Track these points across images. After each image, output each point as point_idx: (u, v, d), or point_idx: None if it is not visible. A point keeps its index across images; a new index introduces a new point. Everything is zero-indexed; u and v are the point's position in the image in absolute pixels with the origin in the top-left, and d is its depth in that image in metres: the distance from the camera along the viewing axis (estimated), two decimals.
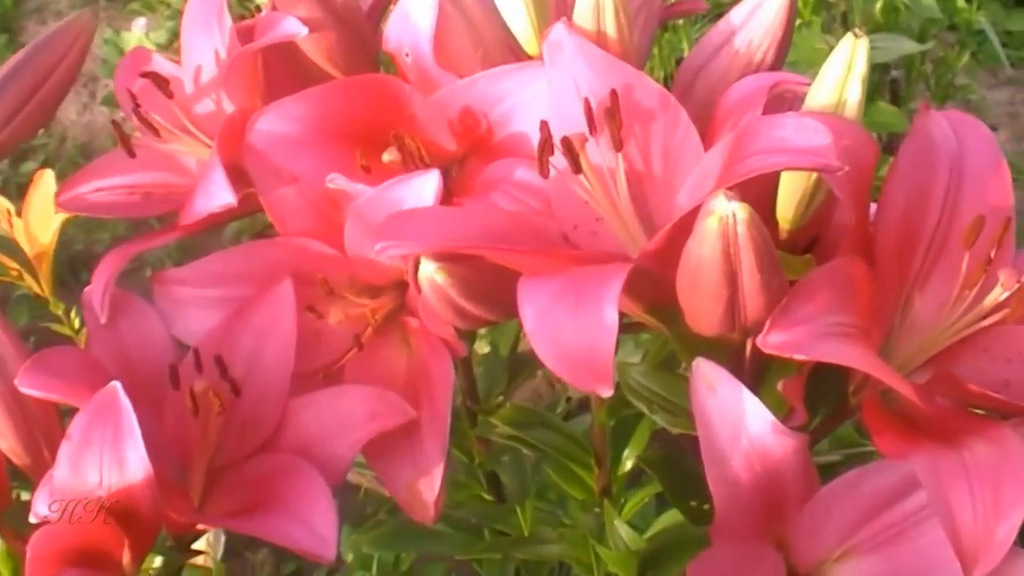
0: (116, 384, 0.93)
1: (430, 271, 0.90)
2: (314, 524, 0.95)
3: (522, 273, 0.88)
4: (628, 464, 1.32)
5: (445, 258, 0.89)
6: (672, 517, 1.44)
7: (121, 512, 0.94)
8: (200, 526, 1.05)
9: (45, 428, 1.05)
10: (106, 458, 0.93)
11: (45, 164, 3.61)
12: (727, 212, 0.78)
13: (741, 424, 0.85)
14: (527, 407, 1.31)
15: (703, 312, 0.84)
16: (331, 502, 0.96)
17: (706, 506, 1.00)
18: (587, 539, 1.34)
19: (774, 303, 0.81)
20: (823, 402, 0.96)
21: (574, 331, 0.80)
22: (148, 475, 0.92)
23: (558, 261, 0.88)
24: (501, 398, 1.36)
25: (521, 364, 1.26)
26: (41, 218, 1.89)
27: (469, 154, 1.08)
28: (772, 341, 0.79)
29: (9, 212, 1.70)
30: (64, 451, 0.94)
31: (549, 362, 0.81)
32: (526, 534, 1.35)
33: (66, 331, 2.15)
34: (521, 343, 1.38)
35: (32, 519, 0.96)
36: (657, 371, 1.00)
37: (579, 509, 1.41)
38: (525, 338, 1.38)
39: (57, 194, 1.23)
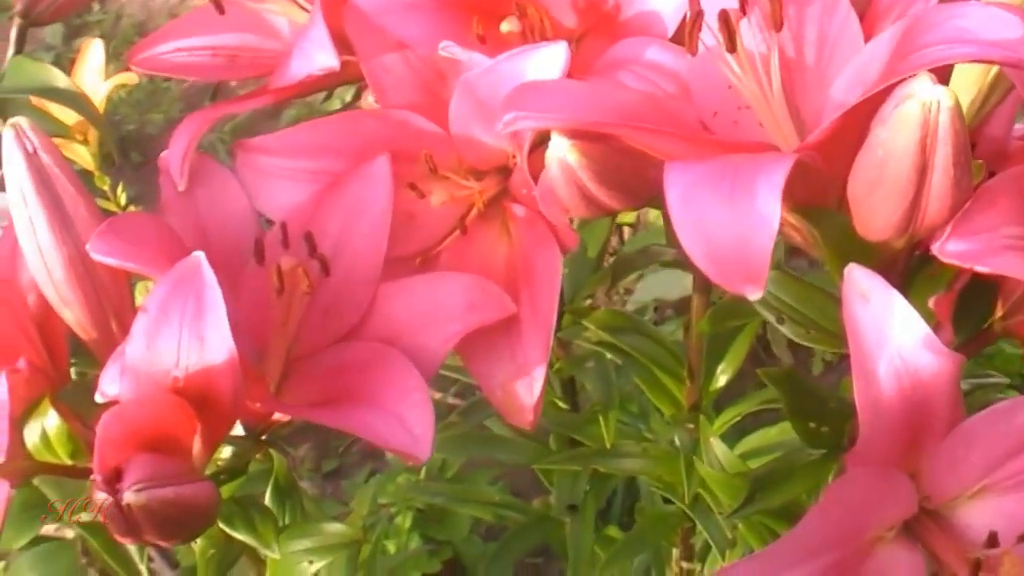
0: (200, 254, 0.85)
1: (562, 149, 0.81)
2: (407, 421, 0.87)
3: (656, 160, 0.80)
4: (722, 380, 1.24)
5: (578, 136, 0.81)
6: (758, 440, 1.38)
7: (197, 396, 0.86)
8: (277, 416, 0.97)
9: (115, 300, 0.98)
10: (185, 335, 0.85)
11: None
12: (931, 98, 0.70)
13: (895, 338, 0.77)
14: (622, 311, 1.24)
15: (878, 212, 0.76)
16: (427, 397, 0.88)
17: (824, 428, 0.93)
18: (671, 456, 1.27)
19: (957, 207, 0.73)
20: (968, 324, 0.88)
21: (728, 222, 0.71)
22: (231, 356, 0.85)
23: (703, 147, 0.79)
24: (589, 301, 1.28)
25: (626, 265, 1.18)
26: (89, 88, 1.83)
27: (588, 33, 1.00)
28: (950, 249, 0.71)
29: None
30: (139, 325, 0.86)
31: (695, 255, 0.72)
32: (608, 446, 1.28)
33: (111, 207, 2.09)
34: None
35: (98, 398, 0.89)
36: (788, 279, 0.91)
37: (663, 424, 1.34)
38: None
39: (133, 52, 1.15)
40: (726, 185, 0.73)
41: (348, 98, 3.23)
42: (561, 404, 1.43)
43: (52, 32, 3.82)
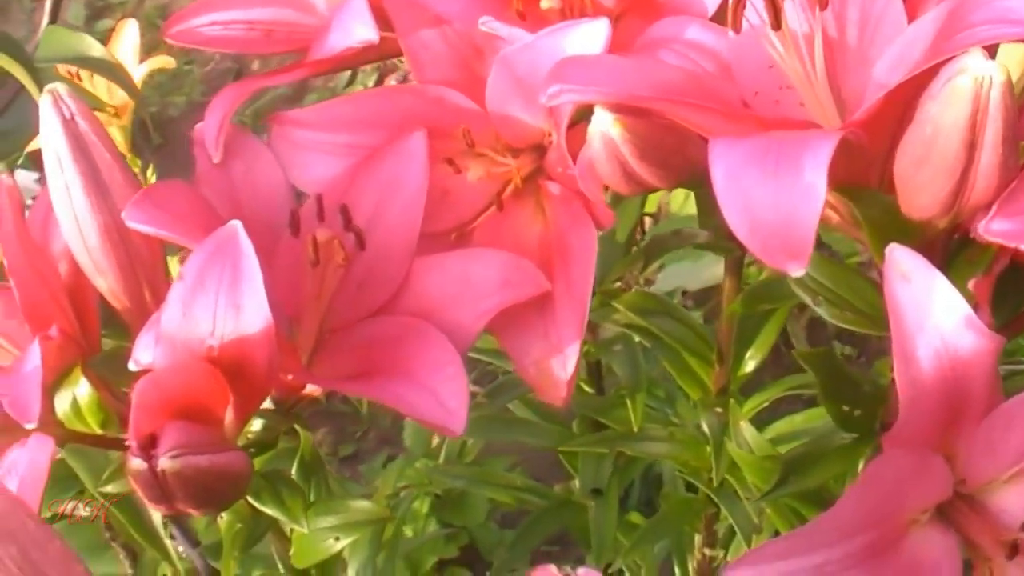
0: (237, 223, 0.85)
1: (605, 123, 0.81)
2: (442, 394, 0.87)
3: (696, 138, 0.80)
4: (750, 365, 1.23)
5: (621, 111, 0.81)
6: (784, 426, 1.37)
7: (231, 366, 0.86)
8: (309, 388, 0.97)
9: (149, 269, 0.97)
10: (221, 303, 0.85)
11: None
12: (984, 73, 0.69)
13: (936, 318, 0.76)
14: (652, 293, 1.23)
15: (925, 189, 0.75)
16: (462, 371, 0.88)
17: (857, 412, 0.93)
18: (697, 441, 1.27)
19: (1003, 186, 0.72)
20: (1006, 306, 0.88)
21: (773, 198, 0.71)
22: (267, 326, 0.84)
23: (747, 124, 0.79)
24: (618, 284, 1.28)
25: (659, 246, 1.17)
26: None
27: (627, 12, 0.99)
28: (996, 228, 0.71)
29: (70, 73, 1.62)
30: (175, 292, 0.85)
31: (740, 230, 0.72)
32: (635, 429, 1.27)
33: None
34: None
35: (132, 366, 0.89)
36: (825, 260, 0.91)
37: (689, 409, 1.33)
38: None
39: (167, 25, 1.15)
40: (772, 161, 0.73)
41: (371, 84, 3.23)
42: (587, 388, 1.42)
43: (75, 13, 3.83)
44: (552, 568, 0.63)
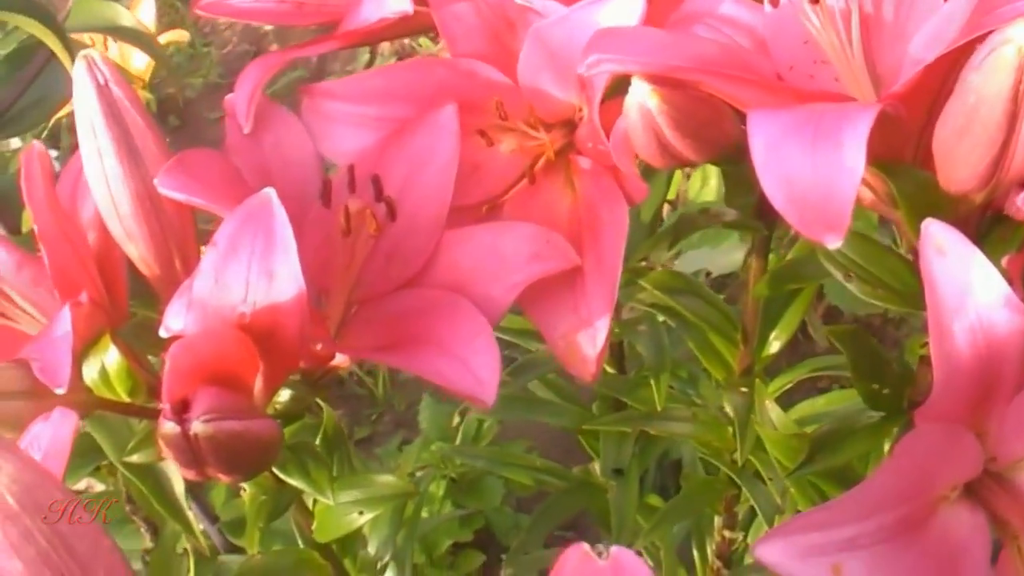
0: (270, 190, 0.85)
1: (643, 94, 0.81)
2: (473, 364, 0.87)
3: (731, 112, 0.80)
4: (775, 345, 1.23)
5: (658, 82, 0.80)
6: (808, 408, 1.37)
7: (262, 333, 0.86)
8: (338, 360, 0.97)
9: (180, 237, 0.97)
10: (254, 270, 0.85)
11: None
12: None
13: (972, 293, 0.76)
14: (679, 272, 1.23)
15: (964, 160, 0.75)
16: (493, 342, 0.88)
17: (885, 391, 0.93)
18: (720, 422, 1.27)
19: None
20: None
21: (811, 169, 0.71)
22: (299, 293, 0.84)
23: (785, 97, 0.79)
24: (644, 263, 1.28)
25: (688, 224, 1.17)
26: None
27: None
28: None
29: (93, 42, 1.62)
30: (207, 259, 0.85)
31: (778, 201, 0.72)
32: (659, 409, 1.27)
33: None
34: None
35: (163, 333, 0.89)
36: (857, 236, 0.91)
37: (712, 390, 1.33)
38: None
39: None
40: (811, 132, 0.72)
41: None
42: (609, 368, 1.42)
43: None
44: (584, 546, 0.63)
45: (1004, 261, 0.84)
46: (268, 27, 3.54)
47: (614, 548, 0.62)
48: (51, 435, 0.87)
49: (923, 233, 0.77)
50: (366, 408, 2.76)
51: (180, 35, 2.00)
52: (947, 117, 0.75)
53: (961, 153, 0.76)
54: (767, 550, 0.74)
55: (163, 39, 1.96)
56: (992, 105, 0.71)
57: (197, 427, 0.79)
